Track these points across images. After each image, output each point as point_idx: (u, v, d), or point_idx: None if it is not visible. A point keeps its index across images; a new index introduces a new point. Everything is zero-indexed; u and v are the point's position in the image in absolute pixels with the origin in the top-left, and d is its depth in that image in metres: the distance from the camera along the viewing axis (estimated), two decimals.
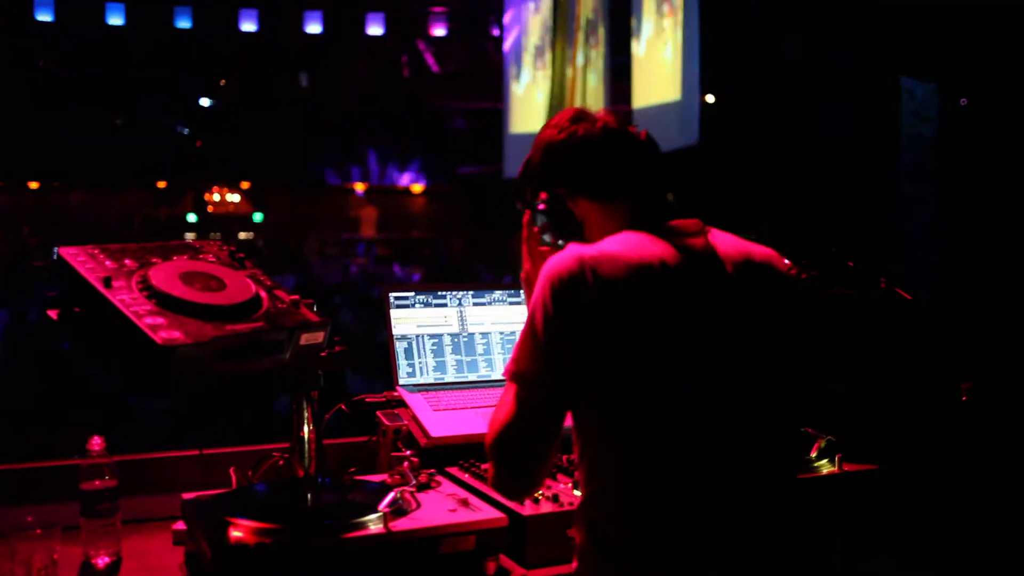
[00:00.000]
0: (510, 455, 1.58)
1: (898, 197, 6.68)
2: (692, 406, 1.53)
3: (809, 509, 1.66)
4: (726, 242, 1.66)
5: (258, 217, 19.46)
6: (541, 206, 1.76)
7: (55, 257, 1.79)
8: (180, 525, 1.92)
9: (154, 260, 1.85)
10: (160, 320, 1.66)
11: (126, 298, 1.70)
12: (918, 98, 6.74)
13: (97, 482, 1.84)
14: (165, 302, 1.71)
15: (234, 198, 19.40)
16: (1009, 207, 5.66)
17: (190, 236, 17.89)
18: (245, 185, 19.04)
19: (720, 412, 1.55)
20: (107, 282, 1.72)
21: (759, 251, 1.68)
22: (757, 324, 1.60)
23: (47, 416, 4.93)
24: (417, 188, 19.54)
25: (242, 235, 19.00)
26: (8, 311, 8.27)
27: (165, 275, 1.78)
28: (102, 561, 1.85)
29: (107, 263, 1.80)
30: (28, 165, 16.80)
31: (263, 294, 1.87)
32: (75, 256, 1.79)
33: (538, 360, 1.54)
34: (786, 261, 1.76)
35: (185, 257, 1.92)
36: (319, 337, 1.88)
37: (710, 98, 10.22)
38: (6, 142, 15.21)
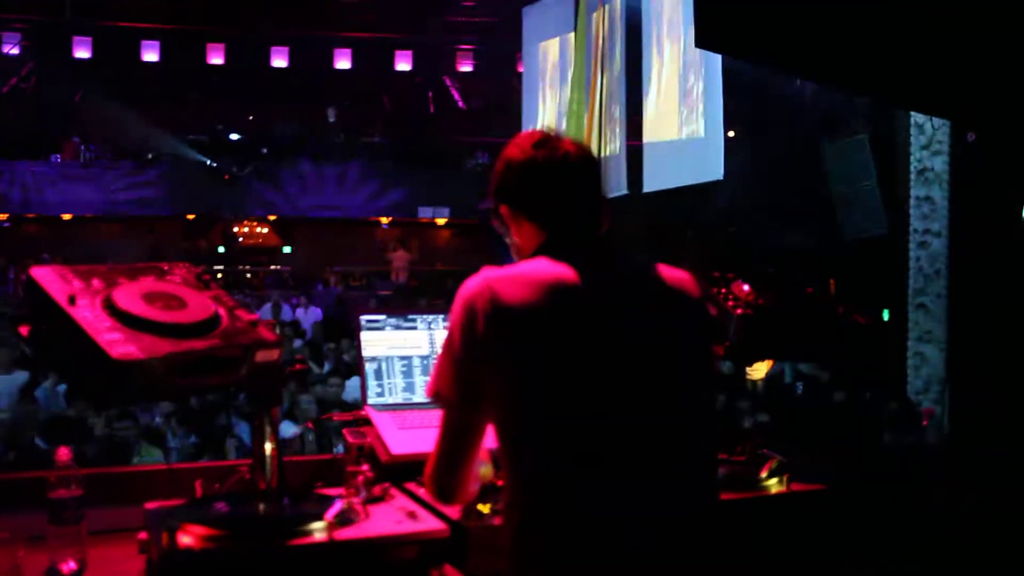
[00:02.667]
0: (441, 486, 1.74)
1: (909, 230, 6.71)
2: (587, 424, 1.58)
3: (723, 531, 1.68)
4: (636, 267, 1.71)
5: (287, 249, 19.72)
6: (496, 220, 1.85)
7: (25, 278, 1.90)
8: (144, 535, 2.01)
9: (121, 280, 1.95)
10: (117, 336, 1.76)
11: (88, 315, 1.80)
12: (928, 132, 6.77)
13: (63, 491, 1.93)
14: (125, 319, 1.81)
15: (262, 231, 19.67)
16: (1019, 239, 5.67)
17: (219, 267, 18.17)
18: (272, 217, 19.30)
19: (615, 429, 1.59)
20: (72, 300, 1.82)
21: (671, 275, 1.73)
22: (657, 342, 1.65)
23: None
24: (441, 221, 19.71)
25: (272, 267, 19.25)
26: None
27: (128, 295, 1.88)
28: (67, 567, 1.93)
29: (75, 283, 1.90)
30: (62, 198, 17.19)
31: (223, 313, 1.96)
32: (45, 276, 1.89)
33: (453, 380, 1.66)
34: (698, 284, 1.76)
35: (152, 278, 2.01)
36: (274, 355, 1.96)
37: (731, 133, 10.29)
38: (42, 175, 15.64)
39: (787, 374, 6.97)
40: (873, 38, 3.38)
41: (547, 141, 1.78)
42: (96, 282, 1.92)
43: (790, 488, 2.19)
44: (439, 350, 2.55)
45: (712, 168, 9.56)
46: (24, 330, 1.90)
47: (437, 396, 1.71)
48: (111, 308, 1.83)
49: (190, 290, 2.00)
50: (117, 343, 1.73)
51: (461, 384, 1.66)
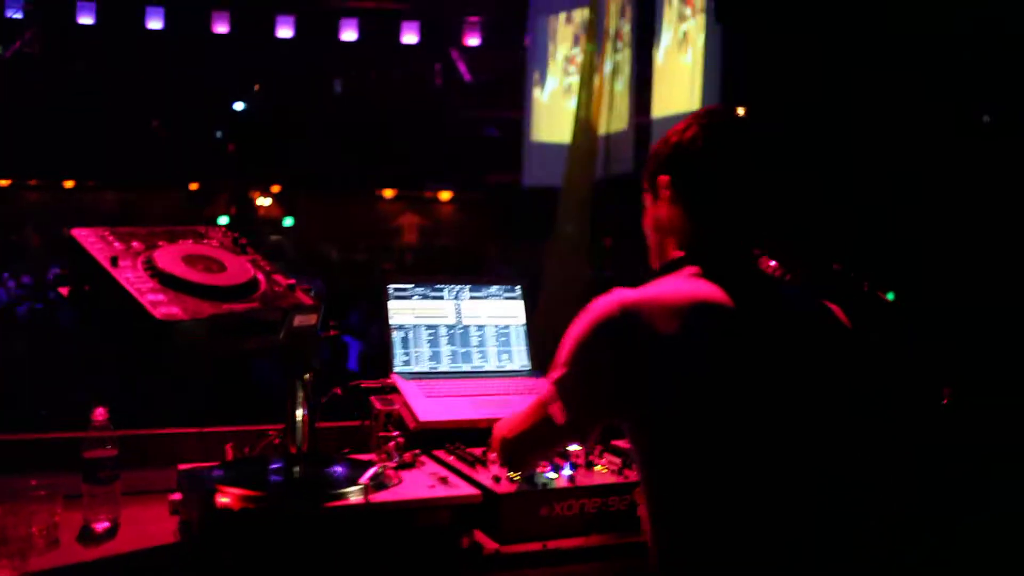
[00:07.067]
0: (511, 459, 1.75)
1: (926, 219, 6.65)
2: (746, 451, 1.48)
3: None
4: (794, 294, 1.65)
5: (288, 221, 19.68)
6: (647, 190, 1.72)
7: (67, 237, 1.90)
8: (176, 496, 2.03)
9: (160, 243, 1.97)
10: (161, 297, 1.77)
11: (131, 276, 1.81)
12: None
13: (99, 451, 1.95)
14: (167, 281, 1.82)
15: (265, 202, 19.64)
16: None
17: None
18: (276, 189, 19.27)
19: (778, 456, 1.49)
20: (114, 261, 1.83)
21: (831, 308, 1.67)
22: (811, 367, 1.56)
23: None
24: (446, 195, 19.68)
25: (273, 238, 19.21)
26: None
27: (169, 256, 1.89)
28: (101, 526, 1.95)
29: (116, 244, 1.91)
30: (63, 164, 17.13)
31: (261, 277, 1.98)
32: (86, 237, 1.90)
33: (564, 404, 1.57)
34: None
35: (190, 241, 2.03)
36: (312, 319, 1.98)
37: (740, 111, 10.17)
38: (43, 141, 15.55)
39: None
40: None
41: (738, 127, 1.67)
42: (136, 244, 1.93)
43: None
44: (464, 321, 2.58)
45: None
46: (64, 291, 1.91)
47: (551, 399, 1.58)
48: (152, 269, 1.84)
49: (228, 253, 2.02)
50: (161, 304, 1.74)
51: (572, 410, 1.56)
